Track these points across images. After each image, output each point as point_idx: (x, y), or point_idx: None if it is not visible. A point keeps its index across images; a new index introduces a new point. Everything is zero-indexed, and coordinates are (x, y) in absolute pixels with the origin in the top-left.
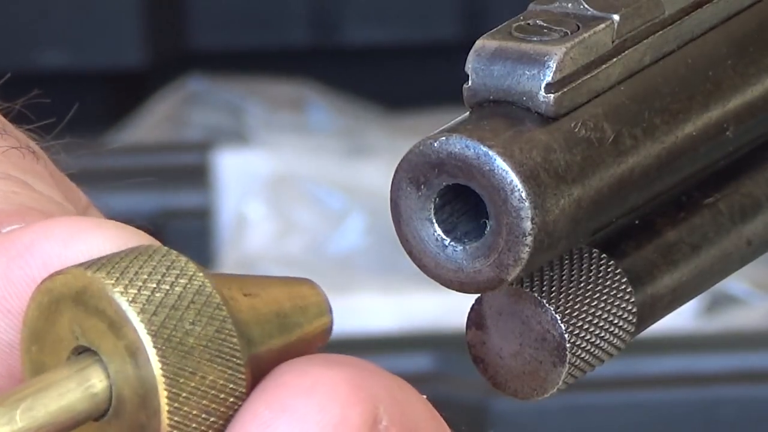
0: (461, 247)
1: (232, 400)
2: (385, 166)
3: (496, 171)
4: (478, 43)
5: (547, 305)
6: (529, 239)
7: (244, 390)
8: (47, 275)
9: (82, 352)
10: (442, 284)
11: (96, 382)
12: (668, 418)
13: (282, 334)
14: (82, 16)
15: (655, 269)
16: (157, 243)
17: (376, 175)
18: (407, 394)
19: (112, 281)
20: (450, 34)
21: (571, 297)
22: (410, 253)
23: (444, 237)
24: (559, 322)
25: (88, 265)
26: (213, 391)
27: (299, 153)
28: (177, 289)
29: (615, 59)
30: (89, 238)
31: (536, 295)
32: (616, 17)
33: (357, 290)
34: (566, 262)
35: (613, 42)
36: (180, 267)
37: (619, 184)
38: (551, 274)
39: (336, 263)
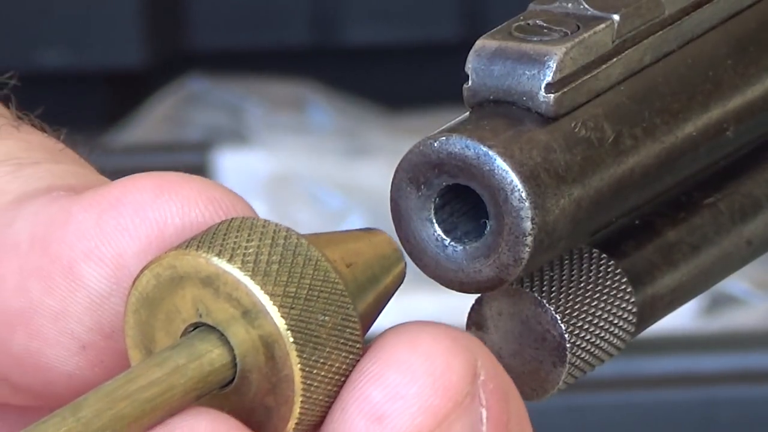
0: (461, 247)
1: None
2: (385, 166)
3: (496, 171)
4: (478, 43)
5: (547, 305)
6: (529, 239)
7: None
8: (146, 229)
9: (199, 326)
10: (442, 284)
11: (220, 356)
12: (668, 418)
13: (374, 292)
14: (82, 16)
15: (655, 269)
16: (247, 210)
17: (376, 175)
18: (495, 359)
19: (249, 272)
20: (450, 34)
21: (571, 297)
22: (410, 253)
23: (444, 237)
24: (559, 322)
25: (218, 251)
26: (337, 377)
27: (299, 153)
28: (306, 280)
29: (615, 59)
30: (179, 189)
31: (536, 295)
32: (616, 17)
33: None
34: (566, 262)
35: (613, 42)
36: (303, 252)
37: (619, 184)
38: (551, 274)
39: None
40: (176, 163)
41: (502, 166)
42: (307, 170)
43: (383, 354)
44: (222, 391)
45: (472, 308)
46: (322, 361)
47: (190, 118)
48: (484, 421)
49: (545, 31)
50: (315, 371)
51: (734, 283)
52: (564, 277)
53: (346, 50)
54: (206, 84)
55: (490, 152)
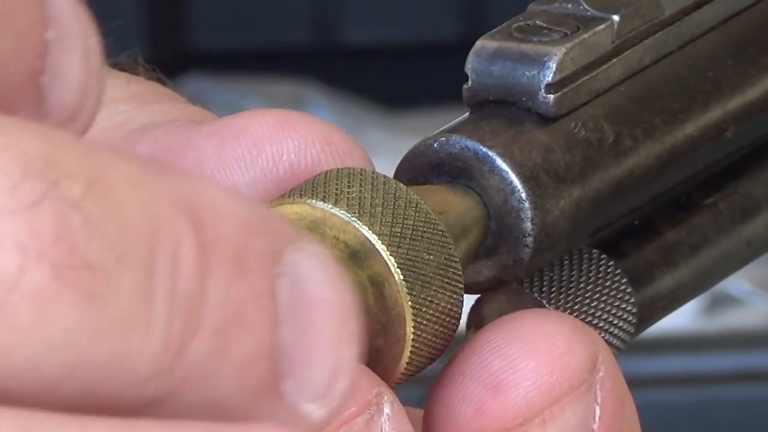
0: None
1: (453, 321)
2: (385, 165)
3: (496, 171)
4: (478, 43)
5: (547, 306)
6: (529, 240)
7: (461, 311)
8: (261, 161)
9: None
10: None
11: None
12: (668, 418)
13: (465, 242)
14: None
15: (655, 270)
16: (363, 158)
17: None
18: (616, 361)
19: (357, 214)
20: (450, 34)
21: (571, 297)
22: None
23: None
24: None
25: (322, 196)
26: (443, 317)
27: None
28: (409, 221)
29: (615, 60)
30: (299, 127)
31: (536, 295)
32: (616, 18)
33: None
34: (566, 262)
35: (613, 42)
36: (403, 196)
37: (619, 184)
38: (551, 274)
39: None
40: None
41: (501, 166)
42: None
43: (505, 329)
44: None
45: (472, 309)
46: (429, 299)
47: None
48: (597, 419)
49: (545, 31)
50: (424, 309)
51: (734, 283)
52: (564, 278)
53: (346, 50)
54: (206, 84)
55: (490, 153)
